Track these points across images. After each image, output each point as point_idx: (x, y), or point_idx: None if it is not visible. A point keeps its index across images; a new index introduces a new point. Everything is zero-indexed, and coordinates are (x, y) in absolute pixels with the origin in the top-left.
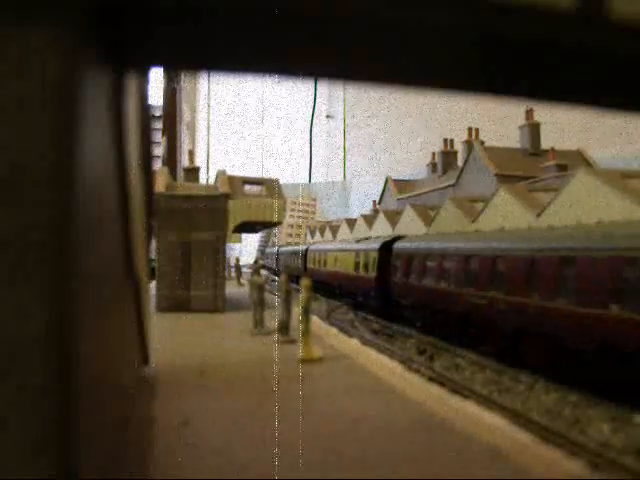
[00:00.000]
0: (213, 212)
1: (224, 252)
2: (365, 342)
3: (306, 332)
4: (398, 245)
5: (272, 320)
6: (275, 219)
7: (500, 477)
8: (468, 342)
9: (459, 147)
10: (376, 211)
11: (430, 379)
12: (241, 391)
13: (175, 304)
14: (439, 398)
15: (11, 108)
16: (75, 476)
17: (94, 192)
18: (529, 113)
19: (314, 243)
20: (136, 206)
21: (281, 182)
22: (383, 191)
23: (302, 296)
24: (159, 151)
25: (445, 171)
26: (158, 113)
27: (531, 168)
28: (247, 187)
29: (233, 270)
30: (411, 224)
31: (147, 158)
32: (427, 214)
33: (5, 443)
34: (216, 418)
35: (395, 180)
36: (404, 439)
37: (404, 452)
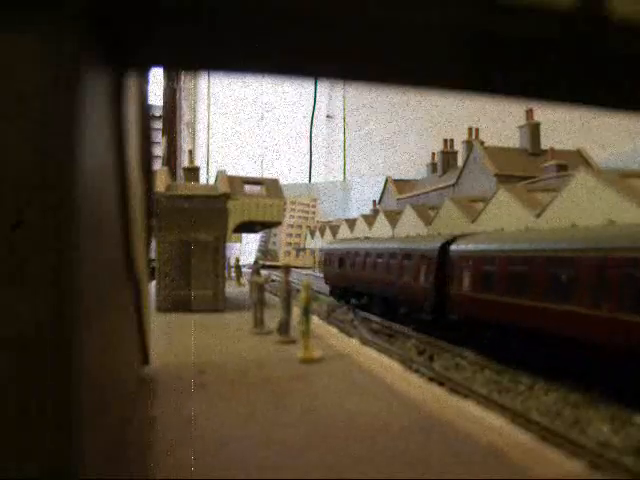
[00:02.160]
0: (213, 212)
1: (224, 252)
2: (365, 342)
3: (306, 332)
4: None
5: (272, 320)
6: (275, 219)
7: (500, 477)
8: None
9: (459, 147)
10: (376, 211)
11: (430, 379)
12: (241, 390)
13: (175, 304)
14: (439, 398)
15: (12, 108)
16: (75, 476)
17: (94, 192)
18: (529, 113)
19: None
20: (136, 206)
21: (281, 182)
22: (383, 191)
23: (302, 296)
24: (159, 151)
25: (445, 171)
26: (158, 113)
27: (531, 168)
28: (247, 187)
29: (233, 270)
30: (411, 224)
31: (147, 158)
32: (427, 214)
33: (5, 443)
34: (216, 417)
35: (395, 180)
36: (404, 439)
37: (404, 452)
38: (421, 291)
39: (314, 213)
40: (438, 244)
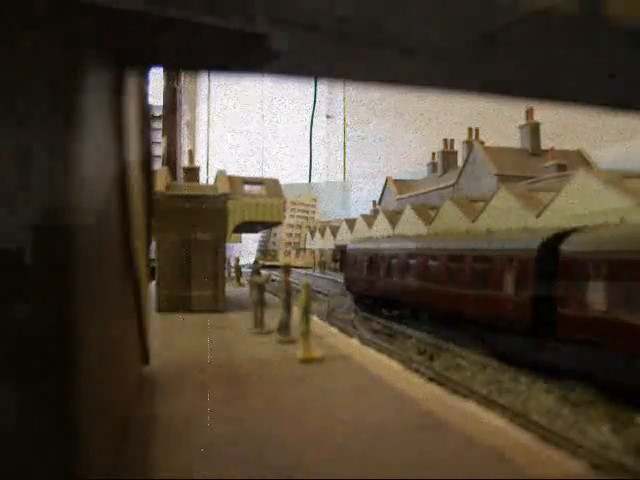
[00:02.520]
0: (213, 212)
1: (224, 252)
2: (365, 342)
3: (306, 332)
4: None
5: (272, 320)
6: (275, 219)
7: (500, 477)
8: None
9: (459, 147)
10: (376, 211)
11: (430, 379)
12: (241, 390)
13: (175, 304)
14: (439, 398)
15: (12, 108)
16: (76, 475)
17: (94, 192)
18: (529, 113)
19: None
20: (136, 206)
21: (281, 182)
22: (383, 191)
23: (302, 296)
24: (159, 151)
25: (445, 171)
26: (158, 113)
27: (531, 168)
28: (247, 187)
29: (233, 270)
30: (411, 224)
31: (147, 158)
32: (427, 214)
33: (5, 443)
34: (216, 416)
35: (395, 180)
36: (404, 439)
37: (403, 452)
38: (509, 305)
39: (314, 213)
40: (536, 242)
